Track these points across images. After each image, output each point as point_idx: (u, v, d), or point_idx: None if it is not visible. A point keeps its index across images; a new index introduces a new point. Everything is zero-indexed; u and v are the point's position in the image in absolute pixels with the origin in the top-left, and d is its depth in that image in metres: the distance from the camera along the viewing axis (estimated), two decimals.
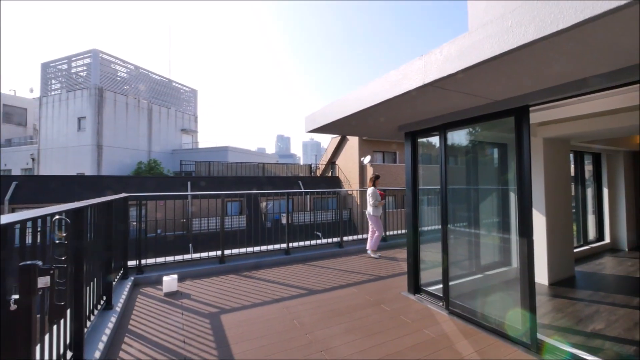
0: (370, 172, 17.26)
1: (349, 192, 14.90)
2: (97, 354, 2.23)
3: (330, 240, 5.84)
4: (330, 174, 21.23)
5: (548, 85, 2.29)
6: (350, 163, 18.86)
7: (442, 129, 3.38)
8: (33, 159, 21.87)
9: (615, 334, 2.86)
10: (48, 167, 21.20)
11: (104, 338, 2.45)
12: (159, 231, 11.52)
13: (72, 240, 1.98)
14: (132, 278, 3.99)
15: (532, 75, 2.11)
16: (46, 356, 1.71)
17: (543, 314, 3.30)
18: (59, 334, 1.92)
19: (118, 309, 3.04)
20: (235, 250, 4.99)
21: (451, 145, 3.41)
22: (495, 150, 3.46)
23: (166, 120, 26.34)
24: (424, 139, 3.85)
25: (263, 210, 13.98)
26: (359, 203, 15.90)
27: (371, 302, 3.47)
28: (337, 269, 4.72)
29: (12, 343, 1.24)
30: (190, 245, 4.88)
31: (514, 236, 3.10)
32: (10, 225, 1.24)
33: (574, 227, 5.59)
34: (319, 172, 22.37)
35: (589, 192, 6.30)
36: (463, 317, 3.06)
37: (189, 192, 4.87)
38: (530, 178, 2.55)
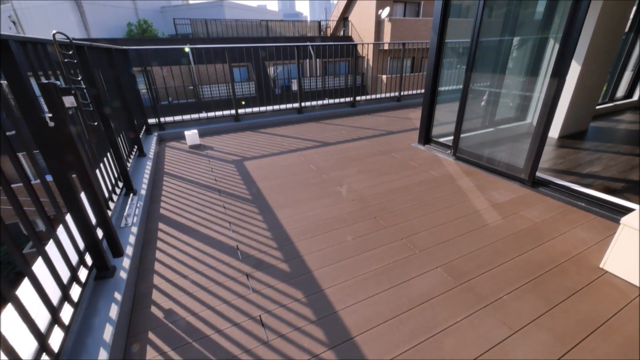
0: (387, 28, 15.13)
1: (363, 49, 13.58)
2: (144, 186, 2.60)
3: (343, 100, 5.72)
4: (342, 32, 18.83)
5: None
6: (366, 18, 16.34)
7: None
8: (14, 22, 19.73)
9: (609, 174, 3.06)
10: (33, 31, 19.36)
11: (146, 176, 2.80)
12: (170, 99, 11.48)
13: (81, 61, 1.96)
14: (156, 134, 4.23)
15: None
16: (102, 183, 1.99)
17: (545, 160, 3.47)
18: (107, 169, 2.17)
19: (151, 156, 3.35)
20: (248, 110, 5.02)
21: None
22: None
23: None
24: None
25: (272, 76, 13.27)
26: (372, 65, 14.72)
27: (382, 152, 3.69)
28: (350, 126, 4.82)
29: (63, 157, 1.39)
30: (203, 111, 4.89)
31: (537, 93, 2.93)
32: (11, 39, 1.18)
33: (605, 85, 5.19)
34: (329, 32, 19.84)
35: (637, 46, 5.50)
36: (469, 162, 3.28)
37: (189, 46, 4.52)
38: (587, 9, 2.14)
